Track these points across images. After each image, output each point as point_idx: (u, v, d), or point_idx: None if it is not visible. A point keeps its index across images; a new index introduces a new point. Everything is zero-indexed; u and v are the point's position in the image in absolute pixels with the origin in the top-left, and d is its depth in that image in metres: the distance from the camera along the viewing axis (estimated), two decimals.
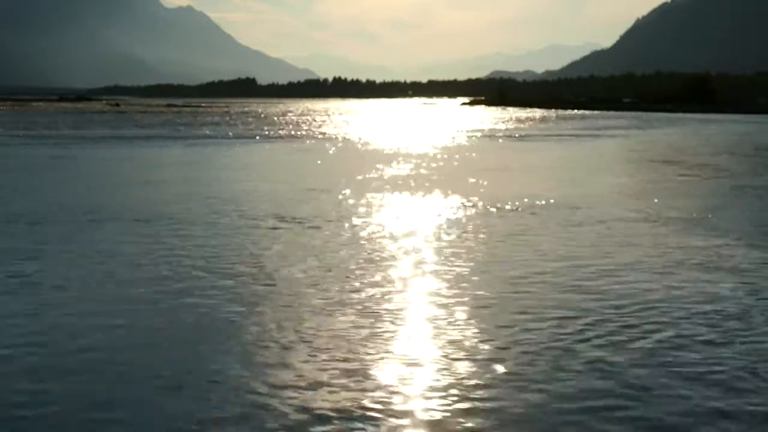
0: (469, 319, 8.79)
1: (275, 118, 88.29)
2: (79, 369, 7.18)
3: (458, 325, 8.58)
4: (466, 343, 7.92)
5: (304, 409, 6.25)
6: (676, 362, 7.42)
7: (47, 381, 6.87)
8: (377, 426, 5.98)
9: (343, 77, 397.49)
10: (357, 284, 10.32)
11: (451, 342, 7.97)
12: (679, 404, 6.44)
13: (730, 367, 7.29)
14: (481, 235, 14.11)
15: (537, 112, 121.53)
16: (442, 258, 12.08)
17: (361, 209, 17.24)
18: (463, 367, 7.23)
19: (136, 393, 6.59)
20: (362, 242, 13.32)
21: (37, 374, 7.03)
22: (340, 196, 19.38)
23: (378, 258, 12.04)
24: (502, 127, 70.27)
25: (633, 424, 6.05)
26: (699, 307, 9.34)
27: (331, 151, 37.66)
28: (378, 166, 28.94)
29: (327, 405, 6.33)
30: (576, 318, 8.83)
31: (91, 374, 7.04)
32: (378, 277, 10.75)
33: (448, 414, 6.23)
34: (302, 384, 6.78)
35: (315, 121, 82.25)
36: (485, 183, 22.90)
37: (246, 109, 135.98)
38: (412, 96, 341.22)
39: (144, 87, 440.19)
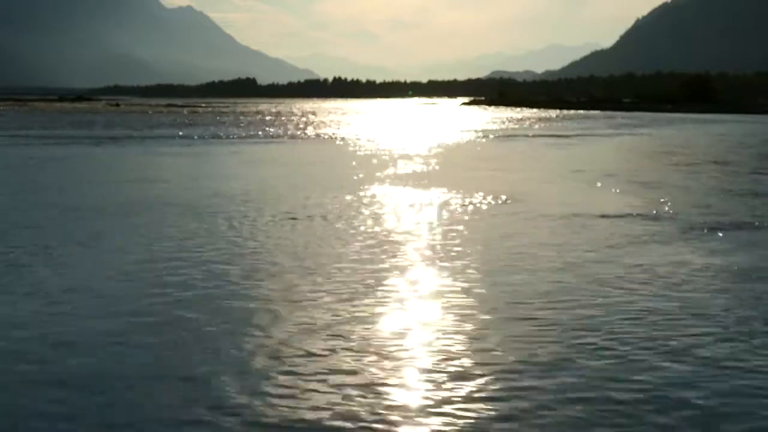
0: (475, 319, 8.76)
1: (281, 119, 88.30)
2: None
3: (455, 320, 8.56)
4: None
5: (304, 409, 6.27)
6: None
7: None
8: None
9: (343, 77, 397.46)
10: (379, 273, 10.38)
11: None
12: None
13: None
14: (480, 233, 14.10)
15: (537, 113, 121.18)
16: (446, 252, 12.08)
17: (372, 204, 17.39)
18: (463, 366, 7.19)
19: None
20: (372, 233, 13.44)
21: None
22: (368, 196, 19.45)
23: (376, 252, 12.16)
24: (503, 127, 70.23)
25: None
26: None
27: (347, 151, 37.70)
28: (382, 165, 29.10)
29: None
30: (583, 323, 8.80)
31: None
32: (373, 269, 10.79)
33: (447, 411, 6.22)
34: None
35: (318, 121, 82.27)
36: (491, 181, 22.90)
37: (250, 109, 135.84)
38: (412, 96, 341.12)
39: (144, 87, 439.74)
